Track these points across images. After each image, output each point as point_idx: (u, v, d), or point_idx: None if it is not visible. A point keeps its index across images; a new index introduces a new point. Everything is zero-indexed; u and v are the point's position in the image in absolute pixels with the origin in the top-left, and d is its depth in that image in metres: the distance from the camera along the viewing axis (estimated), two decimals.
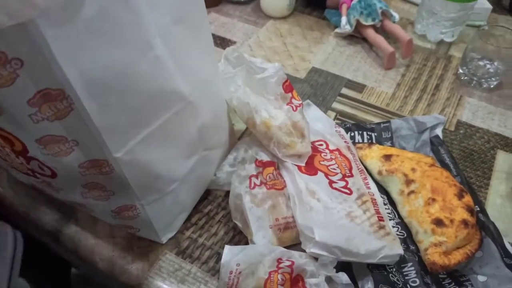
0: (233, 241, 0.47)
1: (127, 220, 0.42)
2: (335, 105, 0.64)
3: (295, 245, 0.44)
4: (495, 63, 0.66)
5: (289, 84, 0.50)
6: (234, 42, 0.74)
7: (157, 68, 0.32)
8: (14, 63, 0.25)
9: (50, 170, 0.35)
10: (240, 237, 0.47)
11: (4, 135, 0.33)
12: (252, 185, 0.46)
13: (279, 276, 0.38)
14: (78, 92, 0.28)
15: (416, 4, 0.82)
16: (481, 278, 0.42)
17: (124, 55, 0.29)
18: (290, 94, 0.50)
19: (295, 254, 0.41)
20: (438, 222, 0.43)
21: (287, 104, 0.49)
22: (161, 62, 0.32)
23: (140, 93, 0.32)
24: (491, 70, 0.67)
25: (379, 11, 0.70)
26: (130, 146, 0.34)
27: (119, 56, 0.29)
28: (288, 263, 0.39)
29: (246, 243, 0.45)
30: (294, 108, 0.49)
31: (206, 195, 0.51)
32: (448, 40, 0.75)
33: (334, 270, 0.40)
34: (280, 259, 0.40)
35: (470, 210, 0.45)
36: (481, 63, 0.67)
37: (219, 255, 0.45)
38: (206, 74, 0.41)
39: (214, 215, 0.50)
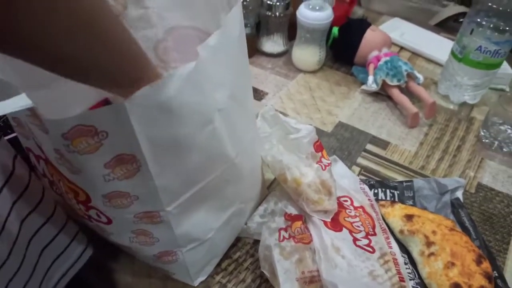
0: None
1: (166, 264, 0.46)
2: (360, 160, 0.67)
3: None
4: None
5: (320, 144, 0.54)
6: (266, 93, 0.79)
7: (213, 138, 0.37)
8: (101, 135, 0.30)
9: (106, 218, 0.40)
10: (266, 286, 0.50)
11: (72, 187, 0.38)
12: (281, 238, 0.49)
13: None
14: (146, 157, 0.32)
15: (440, 65, 0.87)
16: None
17: (187, 128, 0.34)
18: (320, 154, 0.54)
19: None
20: (457, 287, 0.46)
21: (317, 163, 0.53)
22: (217, 133, 0.37)
23: (195, 158, 0.37)
24: None
25: (405, 73, 0.74)
26: (180, 201, 0.38)
27: (183, 130, 0.34)
28: None
29: None
30: (323, 167, 0.53)
31: (236, 242, 0.54)
32: (470, 102, 0.79)
33: None
34: None
35: (488, 277, 0.47)
36: (502, 127, 0.70)
37: None
38: (249, 138, 0.46)
39: (243, 261, 0.53)
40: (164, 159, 0.34)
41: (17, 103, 0.28)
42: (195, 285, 0.50)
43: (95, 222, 0.42)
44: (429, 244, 0.51)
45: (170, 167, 0.35)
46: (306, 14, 0.77)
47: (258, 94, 0.79)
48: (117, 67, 0.29)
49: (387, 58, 0.77)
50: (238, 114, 0.41)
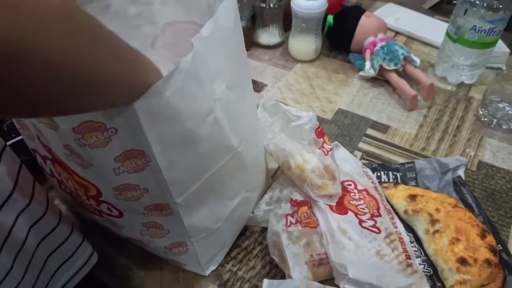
0: (270, 275, 0.51)
1: (177, 255, 0.47)
2: (361, 145, 0.68)
3: (329, 280, 0.48)
4: None
5: (321, 130, 0.55)
6: (265, 85, 0.80)
7: (215, 128, 0.38)
8: (110, 131, 0.31)
9: (118, 211, 0.41)
10: (276, 271, 0.51)
11: (82, 183, 0.39)
12: (288, 223, 0.50)
13: None
14: (155, 152, 0.33)
15: (436, 47, 0.87)
16: None
17: (191, 121, 0.35)
18: (322, 139, 0.55)
19: None
20: (463, 261, 0.47)
21: (319, 149, 0.54)
22: (218, 123, 0.38)
23: (200, 150, 0.38)
24: (510, 112, 0.70)
25: (401, 56, 0.75)
26: (189, 192, 0.39)
27: (188, 122, 0.35)
28: None
29: (282, 276, 0.49)
30: (326, 153, 0.54)
31: (244, 230, 0.55)
32: (468, 82, 0.79)
33: None
34: None
35: (493, 250, 0.48)
36: (500, 105, 0.71)
37: (257, 287, 0.49)
38: (250, 127, 0.47)
39: (252, 249, 0.54)
40: (172, 152, 0.35)
41: None
42: (206, 275, 0.51)
43: (106, 217, 0.43)
44: (433, 222, 0.52)
45: (177, 160, 0.36)
46: (300, 4, 0.77)
47: (257, 86, 0.80)
48: (121, 77, 0.27)
49: (383, 43, 0.77)
50: (238, 103, 0.42)
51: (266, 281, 0.47)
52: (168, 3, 0.52)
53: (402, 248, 0.49)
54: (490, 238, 0.49)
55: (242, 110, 0.43)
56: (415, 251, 0.51)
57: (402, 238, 0.51)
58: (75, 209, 0.55)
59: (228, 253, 0.53)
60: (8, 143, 0.52)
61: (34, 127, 0.37)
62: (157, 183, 0.36)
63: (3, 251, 0.36)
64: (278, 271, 0.51)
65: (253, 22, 0.88)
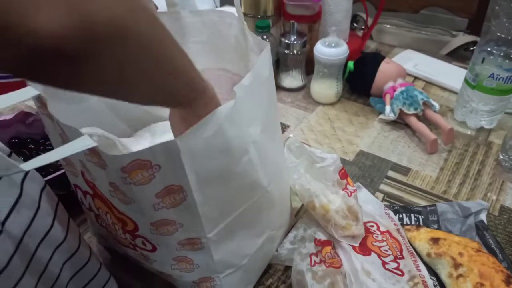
0: None
1: None
2: (383, 187, 0.70)
3: None
4: None
5: (345, 172, 0.57)
6: (288, 126, 0.83)
7: (249, 168, 0.41)
8: (154, 168, 0.34)
9: (152, 245, 0.43)
10: None
11: (121, 218, 0.42)
12: (313, 262, 0.51)
13: None
14: (192, 188, 0.36)
15: (454, 92, 0.90)
16: None
17: (227, 160, 0.38)
18: (345, 181, 0.57)
19: None
20: None
21: (343, 190, 0.56)
22: (252, 163, 0.41)
23: (234, 187, 0.40)
24: None
25: (421, 101, 0.78)
26: (220, 228, 0.42)
27: (223, 161, 0.37)
28: None
29: None
30: (349, 194, 0.56)
31: (268, 269, 0.56)
32: (487, 127, 0.81)
33: None
34: None
35: None
36: None
37: None
38: (278, 167, 0.49)
39: None
40: (207, 188, 0.38)
41: (82, 144, 0.33)
42: None
43: (140, 251, 0.46)
44: (456, 265, 0.52)
45: (212, 196, 0.39)
46: (323, 51, 0.82)
47: (281, 127, 0.83)
48: (180, 90, 0.34)
49: (403, 88, 0.80)
50: (269, 145, 0.45)
51: None
52: (203, 54, 0.57)
53: None
54: None
55: (272, 151, 0.46)
56: None
57: (425, 282, 0.51)
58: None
59: None
60: (46, 178, 0.55)
61: (82, 164, 0.40)
62: (191, 218, 0.39)
63: (39, 285, 0.38)
64: None
65: (277, 66, 0.93)
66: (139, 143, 0.62)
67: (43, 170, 0.63)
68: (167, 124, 0.43)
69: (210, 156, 0.36)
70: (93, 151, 0.35)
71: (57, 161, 0.42)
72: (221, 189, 0.39)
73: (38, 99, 0.40)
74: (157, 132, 0.65)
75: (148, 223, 0.39)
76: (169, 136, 0.37)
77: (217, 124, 0.35)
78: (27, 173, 0.38)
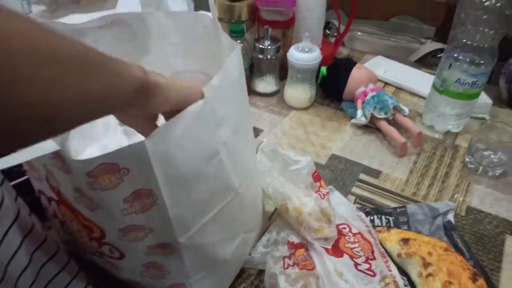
0: None
1: None
2: (354, 189, 0.71)
3: None
4: (498, 153, 0.74)
5: (318, 174, 0.58)
6: (262, 130, 0.83)
7: (219, 170, 0.40)
8: (122, 172, 0.33)
9: (119, 252, 0.42)
10: None
11: (87, 224, 0.40)
12: (286, 265, 0.51)
13: None
14: (162, 191, 0.35)
15: (423, 97, 0.92)
16: None
17: (197, 161, 0.37)
18: (318, 183, 0.57)
19: None
20: None
21: (316, 192, 0.56)
22: (222, 165, 0.40)
23: (204, 190, 0.40)
24: (495, 160, 0.74)
25: (391, 106, 0.79)
26: (191, 232, 0.41)
27: (194, 163, 0.37)
28: None
29: None
30: (322, 196, 0.56)
31: (241, 273, 0.56)
32: (454, 131, 0.84)
33: None
34: None
35: None
36: (485, 153, 0.74)
37: None
38: (250, 169, 0.49)
39: None
40: (178, 191, 0.37)
41: (46, 148, 0.32)
42: None
43: (107, 259, 0.44)
44: (426, 265, 0.53)
45: (182, 199, 0.38)
46: (297, 56, 0.83)
47: (255, 132, 0.83)
48: (110, 87, 0.29)
49: (374, 93, 0.82)
50: (240, 147, 0.45)
51: None
52: (177, 55, 0.56)
53: None
54: (481, 282, 0.51)
55: (244, 153, 0.46)
56: None
57: (396, 282, 0.52)
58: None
59: None
60: (11, 183, 0.53)
61: (45, 168, 0.39)
62: (162, 223, 0.38)
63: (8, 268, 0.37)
64: None
65: (251, 71, 0.93)
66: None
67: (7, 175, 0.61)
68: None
69: (180, 158, 0.36)
70: (57, 155, 0.34)
71: (20, 166, 0.40)
72: (192, 192, 0.39)
73: None
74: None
75: (116, 229, 0.38)
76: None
77: (185, 124, 0.35)
78: (3, 179, 0.37)
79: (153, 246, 0.41)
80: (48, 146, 0.32)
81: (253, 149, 0.51)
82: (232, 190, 0.45)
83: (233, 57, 0.41)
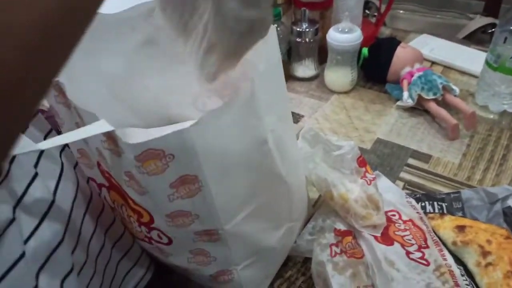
0: None
1: (222, 284, 0.48)
2: (403, 174, 0.67)
3: None
4: None
5: (363, 159, 0.55)
6: (302, 116, 0.81)
7: (267, 158, 0.39)
8: (168, 157, 0.33)
9: (168, 238, 0.42)
10: None
11: (136, 209, 0.40)
12: (333, 253, 0.50)
13: None
14: (208, 178, 0.35)
15: (474, 76, 0.86)
16: None
17: (245, 149, 0.36)
18: (364, 169, 0.55)
19: None
20: None
21: (361, 178, 0.54)
22: (271, 153, 0.39)
23: (252, 178, 0.39)
24: None
25: (440, 86, 0.75)
26: (237, 220, 0.40)
27: (241, 150, 0.36)
28: None
29: None
30: (368, 182, 0.54)
31: (287, 261, 0.55)
32: (511, 110, 0.78)
33: None
34: None
35: None
36: None
37: None
38: (294, 157, 0.48)
39: (295, 280, 0.53)
40: (224, 179, 0.36)
41: (100, 127, 0.32)
42: None
43: (155, 244, 0.44)
44: (485, 254, 0.50)
45: (228, 187, 0.37)
46: (336, 37, 0.80)
47: (295, 117, 0.81)
48: None
49: (421, 73, 0.77)
50: (285, 134, 0.43)
51: None
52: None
53: (454, 281, 0.48)
54: None
55: (288, 140, 0.45)
56: (466, 284, 0.49)
57: (452, 271, 0.49)
58: None
59: (271, 284, 0.53)
60: None
61: (98, 153, 0.39)
62: (207, 209, 0.37)
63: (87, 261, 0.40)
64: None
65: (289, 56, 0.90)
66: None
67: None
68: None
69: (227, 145, 0.35)
70: (110, 137, 0.34)
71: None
72: (238, 180, 0.38)
73: (56, 87, 0.39)
74: None
75: (163, 214, 0.38)
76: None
77: (234, 112, 0.34)
78: (64, 146, 0.40)
79: (199, 233, 0.40)
80: (102, 126, 0.32)
81: (294, 137, 0.50)
82: (279, 179, 0.43)
83: (271, 41, 0.40)
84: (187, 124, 0.31)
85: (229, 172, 0.36)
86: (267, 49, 0.39)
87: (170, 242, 0.42)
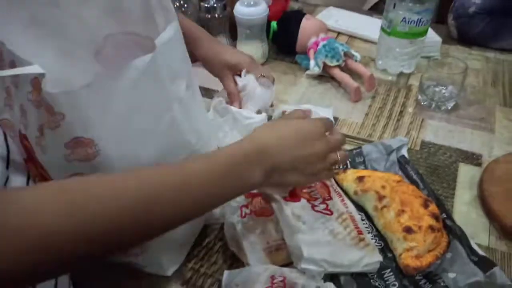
0: (231, 268, 0.52)
1: (135, 256, 0.48)
2: None
3: (288, 265, 0.50)
4: (449, 88, 0.75)
5: None
6: (217, 91, 0.82)
7: (173, 126, 0.40)
8: (58, 116, 0.32)
9: None
10: (237, 263, 0.52)
11: (44, 175, 0.39)
12: (243, 214, 0.52)
13: None
14: (104, 142, 0.35)
15: (375, 43, 0.93)
16: (451, 275, 0.48)
17: (146, 116, 0.37)
18: None
19: (286, 271, 0.46)
20: (408, 230, 0.50)
21: None
22: (176, 121, 0.40)
23: (158, 145, 0.39)
24: (446, 94, 0.75)
25: (342, 52, 0.79)
26: None
27: (142, 118, 0.36)
28: (280, 278, 0.45)
29: (244, 267, 0.50)
30: None
31: (205, 229, 0.56)
32: (407, 71, 0.85)
33: (322, 280, 0.46)
34: (273, 276, 0.45)
35: (436, 217, 0.51)
36: (436, 89, 0.76)
37: (220, 282, 0.50)
38: (204, 126, 0.49)
39: (213, 246, 0.55)
40: (124, 144, 0.36)
41: (31, 69, 0.31)
42: (169, 275, 0.51)
43: None
44: (380, 198, 0.55)
45: (131, 153, 0.37)
46: (243, 11, 0.81)
47: (209, 93, 0.82)
48: None
49: (325, 42, 0.82)
50: (193, 103, 0.44)
51: (226, 273, 0.48)
52: (106, 16, 0.54)
53: (354, 225, 0.52)
54: (432, 207, 0.52)
55: (196, 109, 0.46)
56: (366, 227, 0.54)
57: (353, 217, 0.53)
58: None
59: (190, 252, 0.54)
60: None
61: (22, 113, 0.37)
62: None
63: None
64: (240, 264, 0.52)
65: None
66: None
67: None
68: None
69: (125, 110, 0.35)
70: (36, 85, 0.33)
71: None
72: (142, 147, 0.38)
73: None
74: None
75: (62, 177, 0.37)
76: None
77: (131, 78, 0.34)
78: None
79: None
80: (34, 69, 0.31)
81: (203, 107, 0.51)
82: (188, 148, 0.44)
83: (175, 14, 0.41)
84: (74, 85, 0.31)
85: (130, 138, 0.37)
86: (174, 19, 0.40)
87: None
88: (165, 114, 0.39)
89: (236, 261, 0.53)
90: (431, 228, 0.49)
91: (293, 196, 0.55)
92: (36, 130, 0.36)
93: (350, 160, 0.64)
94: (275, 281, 0.45)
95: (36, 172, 0.41)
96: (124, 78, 0.33)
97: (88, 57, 0.50)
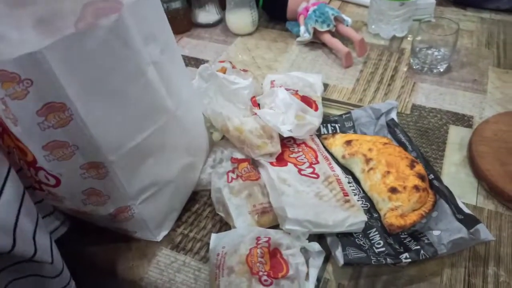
0: (220, 232, 0.53)
1: (124, 222, 0.49)
2: None
3: (275, 227, 0.50)
4: (442, 50, 0.74)
5: (255, 101, 0.57)
6: (207, 61, 0.82)
7: (147, 89, 0.40)
8: (25, 82, 0.32)
9: (54, 178, 0.41)
10: (226, 228, 0.53)
11: (21, 146, 0.39)
12: (230, 179, 0.52)
13: (259, 251, 0.44)
14: (77, 105, 0.35)
15: (368, 7, 0.90)
16: (436, 233, 0.48)
17: (118, 79, 0.37)
18: (257, 108, 0.57)
19: (271, 232, 0.47)
20: (393, 190, 0.50)
21: (254, 115, 0.56)
22: (151, 85, 0.40)
23: (132, 109, 0.39)
24: (439, 57, 0.74)
25: (332, 17, 0.78)
26: (123, 151, 0.41)
27: (114, 81, 0.36)
28: (265, 239, 0.46)
29: None
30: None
31: (194, 196, 0.57)
32: (399, 35, 0.83)
33: (307, 241, 0.47)
34: (259, 237, 0.46)
35: (421, 177, 0.51)
36: (429, 51, 0.75)
37: (208, 245, 0.51)
38: (186, 92, 0.49)
39: (202, 212, 0.56)
40: (97, 108, 0.36)
41: None
42: (159, 240, 0.52)
43: (46, 188, 0.44)
44: (367, 161, 0.55)
45: (104, 116, 0.37)
46: None
47: (199, 63, 0.81)
48: None
49: (315, 7, 0.80)
50: (172, 68, 0.44)
51: (213, 235, 0.49)
52: None
53: (340, 187, 0.52)
54: (418, 167, 0.52)
55: (177, 75, 0.45)
56: (353, 189, 0.54)
57: (339, 179, 0.54)
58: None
59: (179, 218, 0.55)
60: None
61: None
62: (85, 139, 0.37)
63: None
64: (227, 228, 0.53)
65: (189, 2, 0.89)
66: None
67: None
68: None
69: (95, 72, 0.35)
70: None
71: None
72: (116, 110, 0.38)
73: None
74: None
75: (40, 147, 0.37)
76: None
77: (98, 38, 0.33)
78: None
79: (84, 166, 0.40)
80: None
81: (186, 73, 0.50)
82: (166, 112, 0.44)
83: None
84: (38, 46, 0.30)
85: (102, 101, 0.37)
86: None
87: (58, 182, 0.42)
88: (139, 77, 0.39)
89: (224, 225, 0.54)
90: (416, 187, 0.50)
91: (281, 161, 0.55)
92: (1, 103, 0.36)
93: (339, 125, 0.64)
94: (260, 241, 0.45)
95: (13, 144, 0.41)
96: (91, 38, 0.33)
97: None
